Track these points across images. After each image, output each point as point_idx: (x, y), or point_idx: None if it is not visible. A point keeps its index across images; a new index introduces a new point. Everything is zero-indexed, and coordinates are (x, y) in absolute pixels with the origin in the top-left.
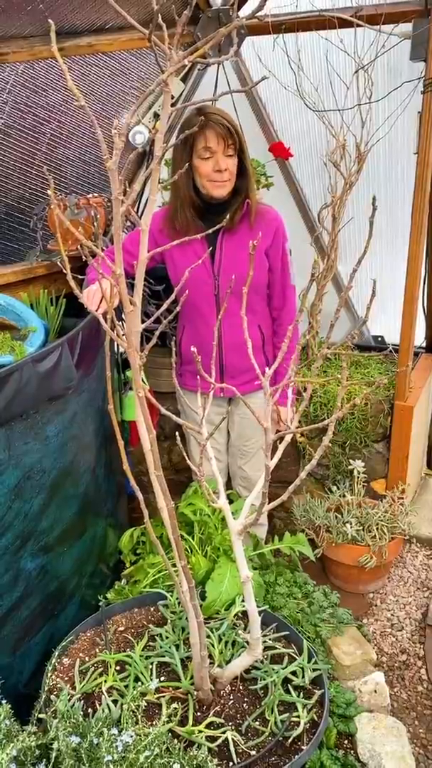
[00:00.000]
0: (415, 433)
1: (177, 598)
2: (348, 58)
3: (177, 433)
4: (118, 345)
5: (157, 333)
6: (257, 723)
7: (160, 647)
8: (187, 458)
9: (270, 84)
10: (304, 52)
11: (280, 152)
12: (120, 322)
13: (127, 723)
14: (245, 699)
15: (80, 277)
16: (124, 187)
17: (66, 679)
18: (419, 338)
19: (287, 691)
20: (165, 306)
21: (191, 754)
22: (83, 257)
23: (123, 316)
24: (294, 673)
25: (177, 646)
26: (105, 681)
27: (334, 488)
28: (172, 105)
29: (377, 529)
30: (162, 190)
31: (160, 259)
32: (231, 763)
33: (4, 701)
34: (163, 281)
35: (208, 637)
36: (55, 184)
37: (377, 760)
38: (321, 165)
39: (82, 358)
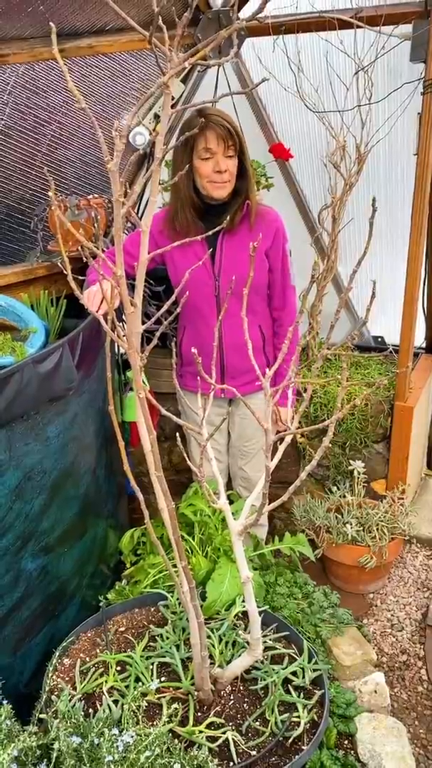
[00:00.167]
0: (415, 433)
1: (177, 599)
2: (348, 60)
3: (177, 434)
4: (118, 346)
5: (157, 334)
6: (257, 723)
7: (161, 647)
8: (187, 459)
9: (270, 85)
10: (304, 53)
11: (280, 153)
12: (120, 323)
13: (127, 723)
14: (246, 699)
15: (80, 278)
16: (124, 189)
17: (67, 679)
18: (419, 339)
19: (287, 692)
20: (165, 307)
21: (192, 754)
22: (84, 258)
23: (123, 317)
24: (294, 673)
25: (177, 647)
26: (106, 681)
27: (335, 489)
28: (172, 106)
29: (377, 529)
30: (162, 192)
31: (161, 261)
32: (231, 763)
33: (5, 701)
34: (164, 282)
35: (209, 637)
36: (56, 185)
37: (377, 761)
38: (321, 166)
39: (83, 359)
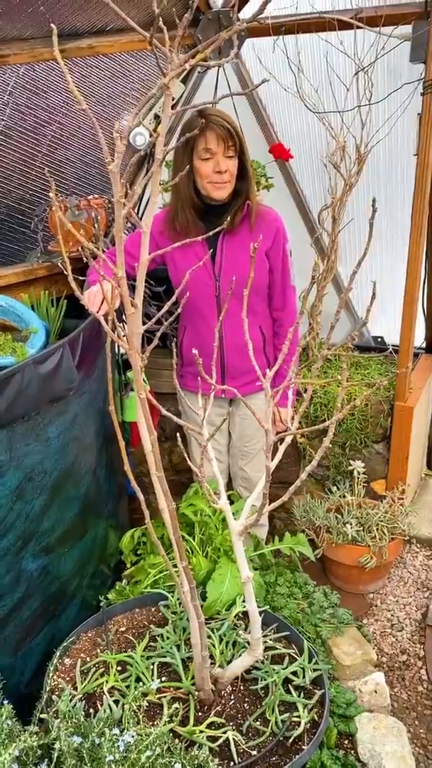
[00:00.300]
0: (415, 433)
1: (178, 599)
2: (348, 60)
3: (178, 434)
4: (118, 346)
5: (158, 334)
6: (258, 723)
7: (161, 647)
8: (188, 459)
9: (270, 86)
10: (304, 53)
11: (280, 153)
12: (121, 324)
13: (128, 723)
14: (246, 699)
15: (81, 278)
16: (125, 190)
17: (67, 679)
18: (419, 339)
19: (288, 692)
20: (166, 308)
21: (192, 753)
22: (84, 259)
23: (123, 317)
24: (294, 673)
25: (178, 647)
26: (106, 681)
27: (335, 489)
28: (173, 107)
29: (377, 529)
30: (162, 192)
31: (161, 261)
32: (232, 763)
33: (5, 701)
34: (164, 282)
35: (209, 637)
36: (56, 185)
37: (377, 760)
38: (321, 166)
39: (83, 360)
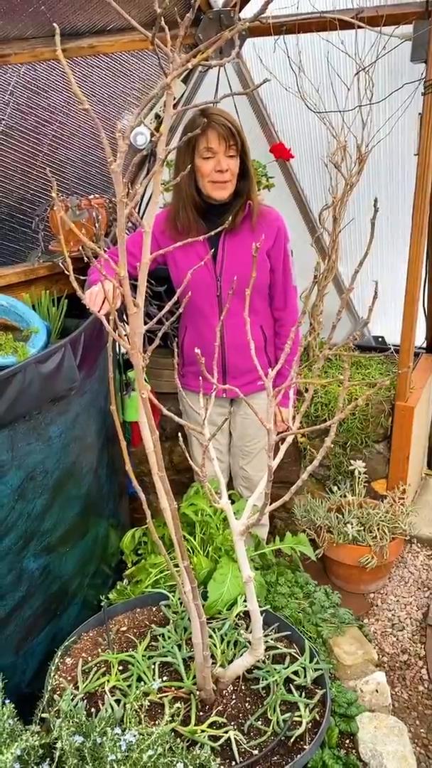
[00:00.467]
0: (416, 433)
1: (179, 598)
2: (349, 60)
3: (179, 434)
4: (119, 345)
5: (159, 334)
6: (259, 722)
7: (163, 647)
8: (189, 459)
9: (271, 85)
10: (305, 53)
11: (281, 153)
12: (122, 323)
13: (130, 722)
14: (247, 699)
15: (82, 278)
16: (127, 189)
17: (69, 678)
18: (419, 339)
19: (289, 691)
20: (168, 307)
21: (194, 753)
22: (85, 258)
23: (124, 317)
24: (296, 672)
25: (179, 646)
26: (108, 681)
27: (335, 488)
28: (174, 106)
29: (378, 529)
30: (163, 192)
31: (162, 261)
32: (234, 763)
33: (7, 701)
34: (165, 282)
35: (210, 637)
36: (57, 185)
37: (379, 760)
38: (322, 166)
39: (85, 359)
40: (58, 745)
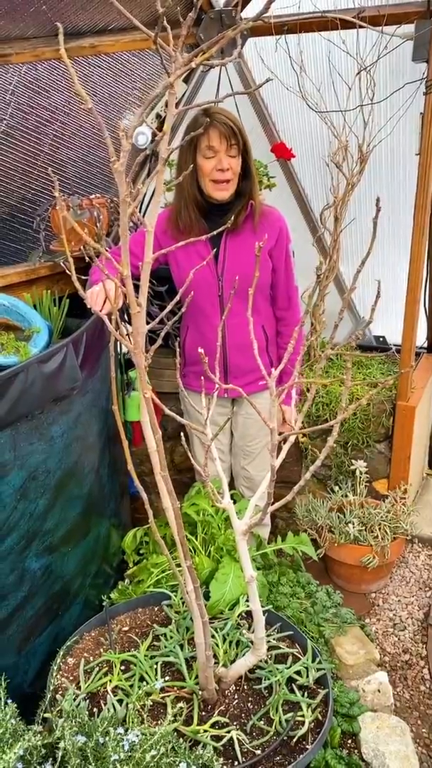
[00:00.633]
0: (417, 433)
1: (181, 598)
2: (350, 59)
3: (182, 434)
4: (121, 345)
5: (162, 334)
6: (262, 722)
7: (165, 647)
8: (191, 459)
9: (272, 85)
10: (307, 53)
11: (282, 153)
12: (123, 323)
13: (132, 722)
14: (250, 698)
15: (83, 277)
16: (130, 189)
17: (71, 678)
18: (421, 339)
19: (291, 691)
20: (170, 307)
21: (197, 753)
22: (86, 258)
23: (126, 317)
24: (298, 672)
25: (181, 646)
26: (110, 680)
27: (337, 488)
28: (175, 106)
29: (379, 529)
30: (165, 192)
31: (164, 261)
32: (236, 763)
33: (9, 701)
34: (166, 282)
35: (213, 636)
36: (58, 184)
37: (381, 760)
38: (323, 166)
39: (87, 359)
40: (61, 745)
